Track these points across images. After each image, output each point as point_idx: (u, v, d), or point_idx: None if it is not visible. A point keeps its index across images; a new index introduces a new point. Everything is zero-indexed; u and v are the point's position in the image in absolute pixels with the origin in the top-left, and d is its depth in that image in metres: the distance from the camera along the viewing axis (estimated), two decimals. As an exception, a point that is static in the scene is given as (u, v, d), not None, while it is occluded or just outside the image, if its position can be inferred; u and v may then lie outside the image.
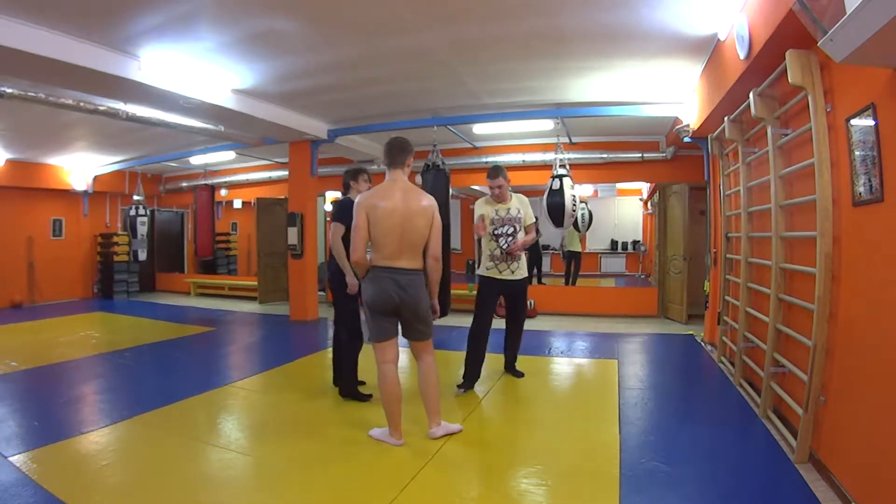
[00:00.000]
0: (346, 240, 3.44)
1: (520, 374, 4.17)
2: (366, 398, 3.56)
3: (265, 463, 2.67)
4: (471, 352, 3.83)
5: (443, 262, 5.05)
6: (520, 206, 3.87)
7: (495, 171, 3.82)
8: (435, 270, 2.81)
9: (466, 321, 4.09)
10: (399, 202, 2.72)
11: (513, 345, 4.17)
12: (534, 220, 3.95)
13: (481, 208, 3.89)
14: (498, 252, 3.82)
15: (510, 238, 3.79)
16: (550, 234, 10.56)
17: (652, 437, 3.01)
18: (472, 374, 3.82)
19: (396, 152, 2.84)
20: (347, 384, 3.63)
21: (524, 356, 4.35)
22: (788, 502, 2.27)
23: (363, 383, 3.74)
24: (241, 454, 2.78)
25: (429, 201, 2.79)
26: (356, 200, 2.76)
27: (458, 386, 3.80)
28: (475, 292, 4.03)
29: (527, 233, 3.88)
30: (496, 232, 3.82)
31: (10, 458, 2.62)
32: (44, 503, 2.21)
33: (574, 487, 2.40)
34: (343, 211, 3.51)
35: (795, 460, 2.59)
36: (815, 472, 2.46)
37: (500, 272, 3.84)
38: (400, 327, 2.87)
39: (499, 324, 4.11)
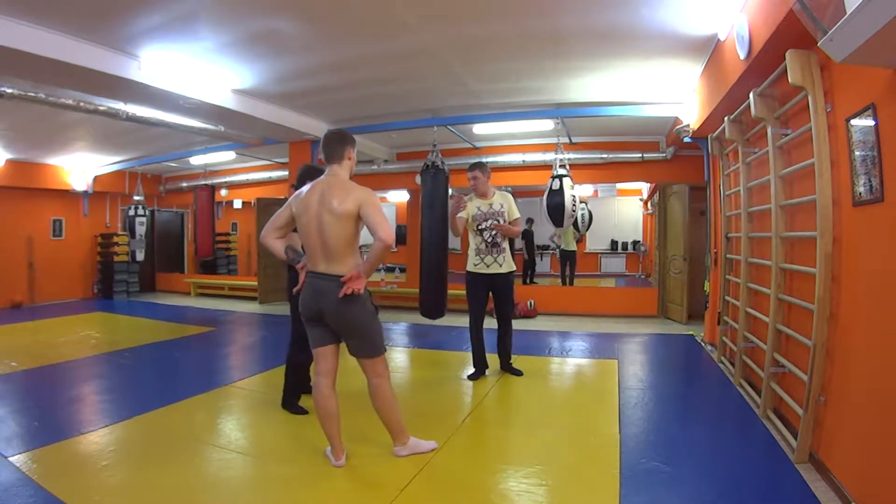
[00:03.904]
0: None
1: (518, 373, 4.18)
2: (301, 412, 3.33)
3: (265, 463, 2.67)
4: (472, 344, 4.13)
5: (440, 263, 5.14)
6: (502, 202, 4.01)
7: (472, 166, 4.04)
8: (377, 254, 2.33)
9: (466, 321, 4.10)
10: (315, 200, 2.41)
11: (504, 342, 4.18)
12: (518, 216, 4.05)
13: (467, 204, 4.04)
14: (483, 246, 3.97)
15: (493, 231, 3.95)
16: (548, 235, 10.59)
17: (652, 437, 3.01)
18: (478, 363, 4.13)
19: (332, 145, 2.52)
20: (284, 392, 3.41)
21: (524, 356, 4.36)
22: (788, 502, 2.27)
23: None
24: (241, 454, 2.77)
25: (353, 200, 2.36)
26: None
27: (469, 376, 4.10)
28: (465, 293, 4.07)
29: (511, 226, 4.03)
30: (479, 227, 3.98)
31: (10, 458, 2.62)
32: (44, 503, 2.21)
33: (574, 487, 2.41)
34: None
35: (795, 460, 2.59)
36: (815, 472, 2.46)
37: (487, 266, 3.97)
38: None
39: (491, 323, 4.12)
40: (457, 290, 5.91)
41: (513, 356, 4.28)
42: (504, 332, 4.16)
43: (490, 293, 4.05)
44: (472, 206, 3.98)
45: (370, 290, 2.55)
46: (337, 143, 2.54)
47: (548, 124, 6.33)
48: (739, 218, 4.03)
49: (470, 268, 4.04)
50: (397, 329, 6.60)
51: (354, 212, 2.37)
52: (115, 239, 9.59)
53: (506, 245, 3.99)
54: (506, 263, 3.97)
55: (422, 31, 3.78)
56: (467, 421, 3.25)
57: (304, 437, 2.96)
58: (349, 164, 2.57)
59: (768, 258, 3.28)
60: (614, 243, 12.76)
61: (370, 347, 2.52)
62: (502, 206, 3.97)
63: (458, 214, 3.94)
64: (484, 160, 7.37)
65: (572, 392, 4.11)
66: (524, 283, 9.49)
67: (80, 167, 9.12)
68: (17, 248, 8.69)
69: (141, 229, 9.04)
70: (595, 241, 12.68)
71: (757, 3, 2.82)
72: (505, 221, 3.95)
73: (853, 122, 2.23)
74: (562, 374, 4.54)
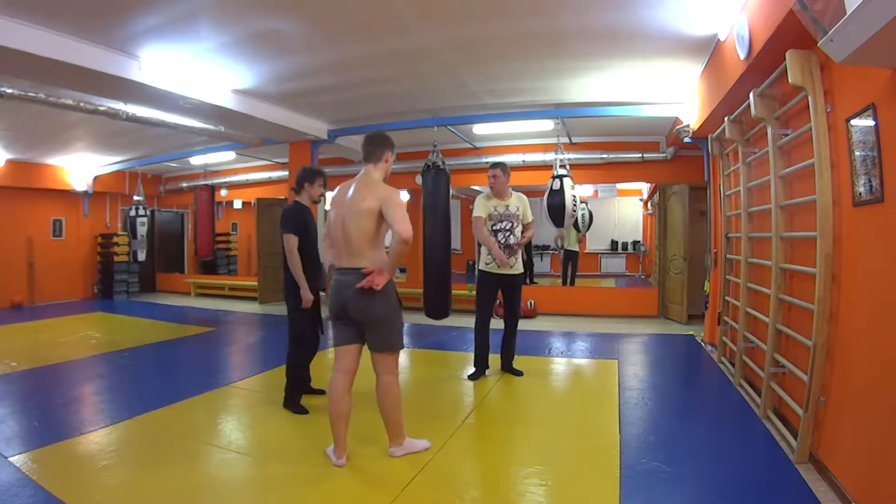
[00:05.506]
0: (300, 250, 3.29)
1: (518, 373, 4.19)
2: (303, 411, 3.33)
3: (265, 463, 2.66)
4: (477, 343, 4.12)
5: (443, 264, 5.13)
6: (519, 204, 4.01)
7: (494, 164, 4.03)
8: (396, 250, 2.35)
9: (467, 321, 4.11)
10: (344, 196, 2.52)
11: (510, 342, 4.20)
12: (532, 219, 4.09)
13: (481, 204, 4.02)
14: (496, 247, 3.94)
15: (508, 234, 3.94)
16: (549, 235, 10.59)
17: (652, 438, 3.01)
18: (480, 363, 4.12)
19: (370, 145, 2.60)
20: (286, 392, 3.41)
21: (525, 356, 4.36)
22: (788, 502, 2.27)
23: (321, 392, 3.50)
24: (241, 454, 2.78)
25: (375, 197, 2.42)
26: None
27: (469, 376, 4.08)
28: (475, 292, 4.07)
29: (525, 230, 4.05)
30: (494, 228, 3.97)
31: (10, 459, 2.62)
32: (44, 503, 2.21)
33: (574, 487, 2.41)
34: (292, 219, 3.30)
35: (795, 460, 2.59)
36: (815, 472, 2.46)
37: (499, 266, 3.95)
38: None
39: (496, 324, 4.13)
40: (456, 291, 5.93)
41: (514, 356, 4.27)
42: (511, 334, 4.18)
43: (500, 293, 4.08)
44: (490, 206, 3.98)
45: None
46: (375, 144, 2.60)
47: (548, 124, 6.33)
48: (739, 218, 4.03)
49: (482, 266, 4.04)
50: (397, 329, 6.58)
51: (376, 208, 2.42)
52: (116, 239, 9.59)
53: (518, 248, 4.01)
54: (517, 265, 4.01)
55: (422, 31, 3.78)
56: (467, 421, 3.24)
57: (305, 436, 2.96)
58: (384, 167, 2.62)
59: (768, 258, 3.28)
60: (614, 243, 12.77)
61: (387, 341, 2.54)
62: (518, 209, 3.98)
63: (478, 213, 3.96)
64: (484, 160, 7.44)
65: (572, 392, 4.11)
66: (523, 282, 9.49)
67: (80, 167, 9.12)
68: (17, 248, 8.69)
69: (142, 229, 9.05)
70: (595, 242, 12.69)
71: (757, 3, 2.82)
72: (520, 223, 3.99)
73: (853, 122, 2.23)
74: (562, 374, 4.54)
